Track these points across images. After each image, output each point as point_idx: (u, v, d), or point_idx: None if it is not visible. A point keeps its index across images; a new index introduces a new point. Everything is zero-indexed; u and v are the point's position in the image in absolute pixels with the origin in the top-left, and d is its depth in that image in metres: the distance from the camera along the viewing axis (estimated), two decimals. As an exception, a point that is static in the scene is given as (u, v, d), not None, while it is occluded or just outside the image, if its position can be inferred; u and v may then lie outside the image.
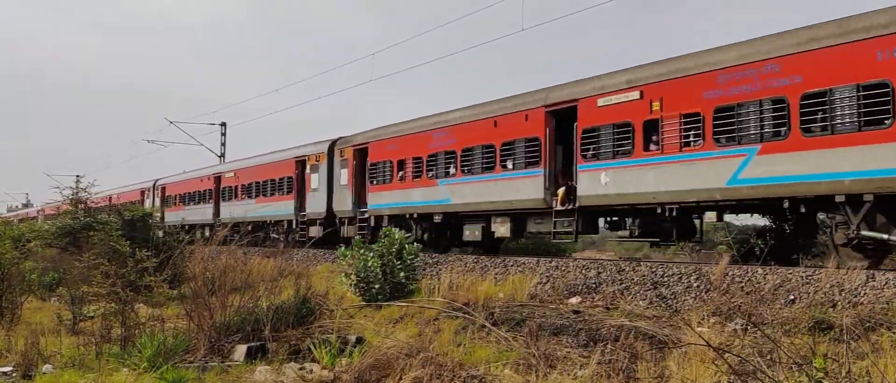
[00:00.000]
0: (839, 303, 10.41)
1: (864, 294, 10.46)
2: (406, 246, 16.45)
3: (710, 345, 7.53)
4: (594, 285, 13.98)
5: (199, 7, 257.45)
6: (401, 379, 9.03)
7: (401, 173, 23.41)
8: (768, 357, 8.11)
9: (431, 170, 22.06)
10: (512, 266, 16.47)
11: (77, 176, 26.07)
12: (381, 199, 24.20)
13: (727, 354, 7.71)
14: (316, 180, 27.83)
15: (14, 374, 10.63)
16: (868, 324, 9.32)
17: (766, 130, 13.65)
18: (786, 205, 13.79)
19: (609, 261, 16.85)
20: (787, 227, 16.32)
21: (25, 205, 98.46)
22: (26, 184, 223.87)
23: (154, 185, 45.62)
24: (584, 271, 14.79)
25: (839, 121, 12.69)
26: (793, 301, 10.87)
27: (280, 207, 29.94)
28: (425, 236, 22.39)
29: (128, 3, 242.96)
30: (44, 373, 10.41)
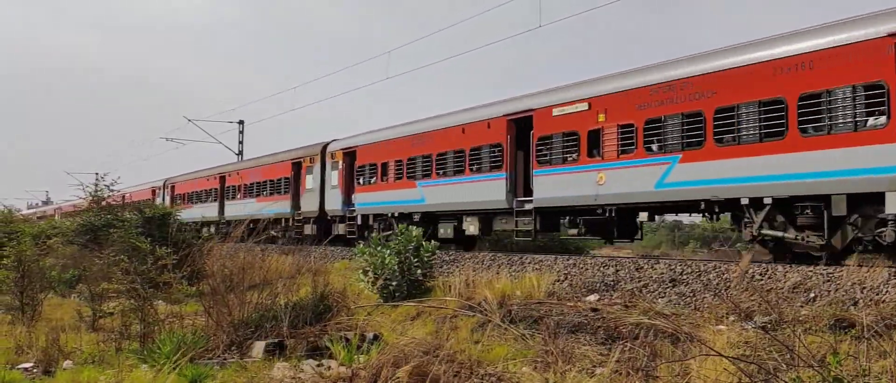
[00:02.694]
0: (861, 301, 10.30)
1: (887, 291, 10.34)
2: (423, 243, 16.45)
3: (720, 354, 7.46)
4: (612, 283, 13.91)
5: (202, 7, 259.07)
6: (421, 375, 9.01)
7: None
8: (788, 355, 8.03)
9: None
10: (528, 263, 16.42)
11: (97, 174, 26.37)
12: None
13: (744, 356, 7.65)
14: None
15: (35, 370, 10.72)
16: (890, 322, 9.21)
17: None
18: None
19: (627, 258, 16.78)
20: None
21: (46, 203, 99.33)
22: (46, 182, 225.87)
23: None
24: (602, 269, 14.73)
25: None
26: (813, 298, 10.77)
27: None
28: None
29: (131, 3, 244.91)
30: (64, 369, 10.49)
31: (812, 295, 10.88)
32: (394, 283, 15.47)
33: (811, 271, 11.64)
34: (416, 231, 16.78)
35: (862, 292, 10.52)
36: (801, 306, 10.58)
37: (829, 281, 11.12)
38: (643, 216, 17.05)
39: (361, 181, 26.19)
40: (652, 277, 13.56)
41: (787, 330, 9.39)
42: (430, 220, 22.40)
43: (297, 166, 31.35)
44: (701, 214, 16.07)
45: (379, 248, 16.21)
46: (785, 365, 7.43)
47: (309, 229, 29.38)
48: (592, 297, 13.44)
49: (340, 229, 27.34)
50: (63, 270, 20.47)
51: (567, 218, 18.89)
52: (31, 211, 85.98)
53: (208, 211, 39.58)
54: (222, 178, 39.87)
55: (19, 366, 10.86)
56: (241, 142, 49.32)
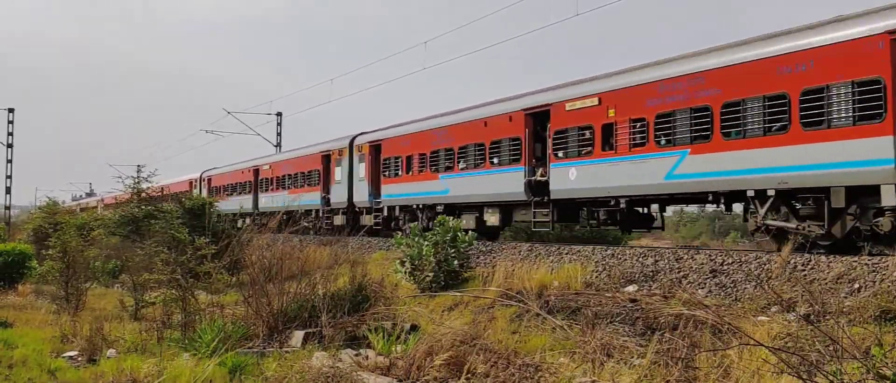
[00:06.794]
0: (907, 292, 10.06)
1: (934, 283, 10.10)
2: (459, 234, 16.42)
3: (760, 344, 7.34)
4: (651, 273, 13.78)
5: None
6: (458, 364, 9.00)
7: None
8: (831, 347, 7.86)
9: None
10: (566, 254, 16.32)
11: (138, 166, 26.79)
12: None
13: (787, 347, 7.51)
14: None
15: (80, 358, 10.94)
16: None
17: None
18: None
19: (667, 248, 16.60)
20: None
21: (89, 194, 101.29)
22: (90, 174, 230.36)
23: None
24: (641, 259, 14.59)
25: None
26: (858, 289, 10.56)
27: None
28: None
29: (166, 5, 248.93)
30: (108, 358, 10.67)
31: (856, 286, 10.67)
32: (431, 274, 15.47)
33: (856, 261, 11.40)
34: (453, 221, 16.76)
35: (909, 283, 10.28)
36: (845, 297, 10.38)
37: (874, 271, 10.89)
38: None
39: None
40: (692, 268, 13.40)
41: (830, 322, 9.21)
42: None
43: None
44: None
45: (416, 239, 16.22)
46: (828, 357, 7.29)
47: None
48: (631, 288, 13.32)
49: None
50: (106, 261, 20.83)
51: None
52: (75, 202, 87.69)
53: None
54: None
55: (65, 354, 11.09)
56: (279, 134, 49.87)
